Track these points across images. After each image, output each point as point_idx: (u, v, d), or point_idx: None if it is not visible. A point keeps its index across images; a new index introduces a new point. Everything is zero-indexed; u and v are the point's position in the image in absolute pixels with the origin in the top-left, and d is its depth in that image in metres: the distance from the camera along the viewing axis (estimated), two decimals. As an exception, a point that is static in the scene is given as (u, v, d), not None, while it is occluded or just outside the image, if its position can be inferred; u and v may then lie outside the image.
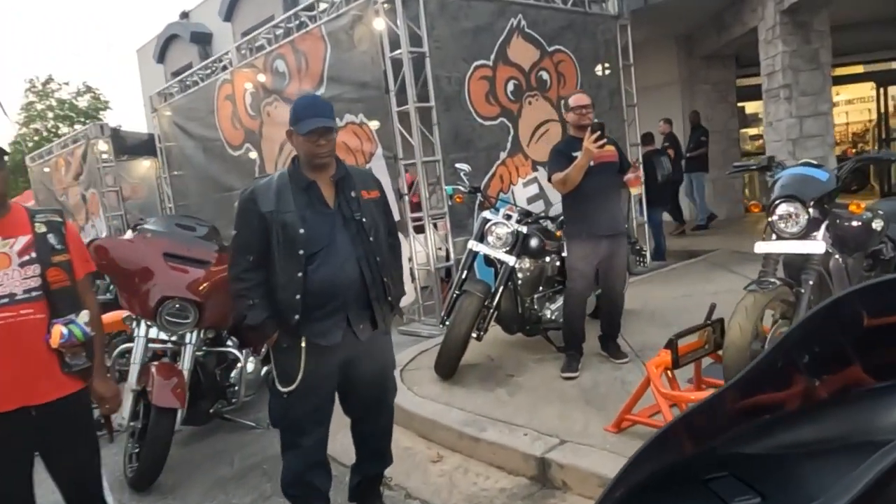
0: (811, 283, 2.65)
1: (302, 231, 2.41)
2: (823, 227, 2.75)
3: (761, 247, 2.84)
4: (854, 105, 13.03)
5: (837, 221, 2.83)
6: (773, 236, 2.83)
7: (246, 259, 2.48)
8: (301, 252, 2.40)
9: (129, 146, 14.16)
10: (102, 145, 13.07)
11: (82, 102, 26.91)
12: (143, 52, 22.11)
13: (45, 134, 25.31)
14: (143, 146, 12.09)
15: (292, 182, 2.49)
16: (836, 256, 2.79)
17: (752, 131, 12.67)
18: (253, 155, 8.17)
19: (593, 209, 4.01)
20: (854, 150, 12.46)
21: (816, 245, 2.65)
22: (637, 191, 4.20)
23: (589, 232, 4.02)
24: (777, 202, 2.77)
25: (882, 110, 12.01)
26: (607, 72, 7.62)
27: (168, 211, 10.87)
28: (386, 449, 2.86)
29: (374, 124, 6.23)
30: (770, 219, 2.81)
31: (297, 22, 7.18)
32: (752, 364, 1.03)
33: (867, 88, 12.29)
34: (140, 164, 13.90)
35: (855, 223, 2.88)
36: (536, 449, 3.03)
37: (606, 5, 7.71)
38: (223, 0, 17.37)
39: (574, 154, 3.88)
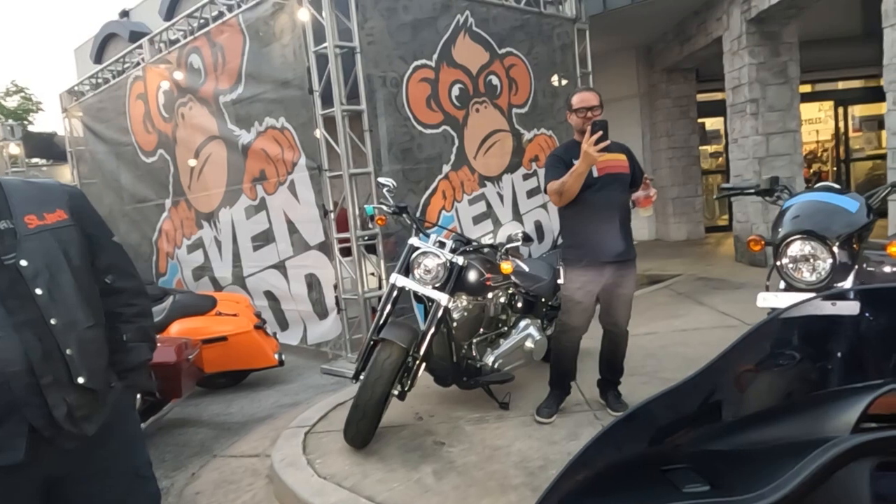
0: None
1: None
2: (853, 275, 2.03)
3: (767, 300, 2.09)
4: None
5: (866, 267, 2.12)
6: (782, 285, 2.09)
7: None
8: None
9: (57, 151, 12.96)
10: (14, 148, 11.91)
11: (11, 103, 25.22)
12: (80, 52, 20.77)
13: (-33, 135, 23.54)
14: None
15: None
16: (867, 314, 2.07)
17: (709, 149, 12.22)
18: (167, 161, 7.20)
19: (595, 230, 3.30)
20: (809, 171, 12.14)
21: (848, 307, 1.92)
22: (648, 213, 3.46)
23: (591, 258, 3.31)
24: (789, 240, 2.04)
25: (842, 130, 11.70)
26: (564, 81, 6.93)
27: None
28: None
29: (317, 133, 5.33)
30: (779, 262, 2.07)
31: (216, 13, 6.28)
32: (707, 364, 1.07)
33: (816, 108, 11.97)
34: (68, 169, 12.83)
35: (889, 269, 2.17)
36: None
37: (563, 7, 7.04)
38: (164, -1, 16.38)
39: (575, 161, 3.16)
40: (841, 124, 11.75)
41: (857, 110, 11.83)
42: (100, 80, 8.52)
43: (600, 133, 2.97)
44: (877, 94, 11.66)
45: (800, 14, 7.26)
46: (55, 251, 1.59)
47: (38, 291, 1.54)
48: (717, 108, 10.05)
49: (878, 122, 12.00)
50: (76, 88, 9.23)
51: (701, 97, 10.80)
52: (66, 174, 12.86)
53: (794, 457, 0.85)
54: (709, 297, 6.29)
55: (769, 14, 7.11)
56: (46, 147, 15.27)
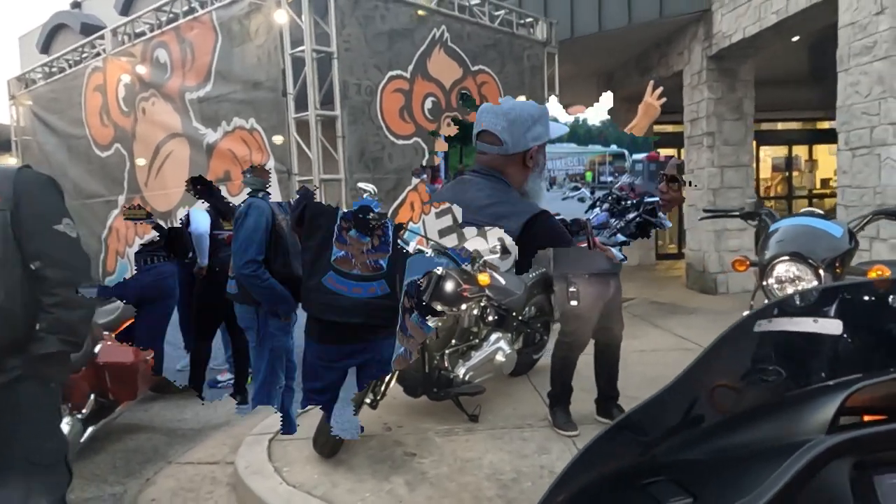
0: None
1: None
2: (838, 298, 2.11)
3: (758, 323, 2.15)
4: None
5: (846, 291, 2.21)
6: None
7: None
8: None
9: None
10: (-49, 135, 11.29)
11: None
12: (25, 40, 19.88)
13: None
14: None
15: None
16: (846, 337, 2.15)
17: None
18: (123, 156, 6.95)
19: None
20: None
21: (831, 324, 1.99)
22: None
23: (599, 270, 3.30)
24: (776, 261, 2.11)
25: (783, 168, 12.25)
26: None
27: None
28: None
29: (277, 139, 5.23)
30: (765, 282, 2.14)
31: (187, 7, 6.14)
32: (681, 374, 1.11)
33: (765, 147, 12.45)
34: (9, 161, 12.23)
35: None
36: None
37: (535, 30, 7.18)
38: (120, -9, 15.90)
39: None
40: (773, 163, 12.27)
41: (803, 151, 12.37)
42: (54, 69, 8.18)
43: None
44: (820, 136, 12.32)
45: (757, 53, 7.59)
46: None
47: None
48: (676, 140, 10.38)
49: (817, 163, 12.61)
50: (27, 76, 8.84)
51: (658, 128, 11.13)
52: (10, 164, 12.28)
53: (772, 461, 0.86)
54: (664, 320, 6.44)
55: (729, 52, 7.43)
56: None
